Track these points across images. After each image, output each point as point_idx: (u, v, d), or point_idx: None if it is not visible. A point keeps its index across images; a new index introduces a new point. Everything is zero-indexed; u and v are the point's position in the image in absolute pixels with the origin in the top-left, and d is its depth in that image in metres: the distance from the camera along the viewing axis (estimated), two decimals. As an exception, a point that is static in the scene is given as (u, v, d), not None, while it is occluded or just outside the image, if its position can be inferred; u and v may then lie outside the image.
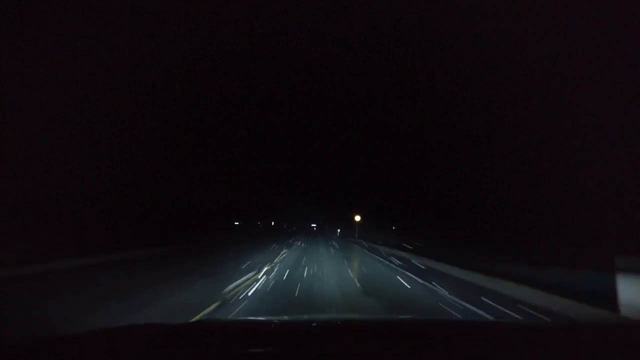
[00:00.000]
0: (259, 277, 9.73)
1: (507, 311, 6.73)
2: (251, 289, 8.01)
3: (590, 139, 13.32)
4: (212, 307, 6.10)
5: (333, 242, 34.56)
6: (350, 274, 11.62)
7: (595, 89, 13.62)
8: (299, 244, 28.81)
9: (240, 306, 6.29)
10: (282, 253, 18.25)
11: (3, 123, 12.92)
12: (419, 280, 10.55)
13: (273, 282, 9.11)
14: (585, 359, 1.35)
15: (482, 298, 7.96)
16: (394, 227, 47.10)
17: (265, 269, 11.55)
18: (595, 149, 13.08)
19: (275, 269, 11.63)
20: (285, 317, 3.99)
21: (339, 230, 66.49)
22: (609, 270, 6.05)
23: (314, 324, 2.21)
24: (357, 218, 49.18)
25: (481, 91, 20.68)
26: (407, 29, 24.57)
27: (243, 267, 11.80)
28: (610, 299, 5.88)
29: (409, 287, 9.36)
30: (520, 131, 17.27)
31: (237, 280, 8.94)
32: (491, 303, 7.42)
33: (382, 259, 17.46)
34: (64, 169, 15.10)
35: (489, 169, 20.06)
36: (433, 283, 9.93)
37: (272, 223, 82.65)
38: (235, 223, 56.08)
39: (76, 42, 14.65)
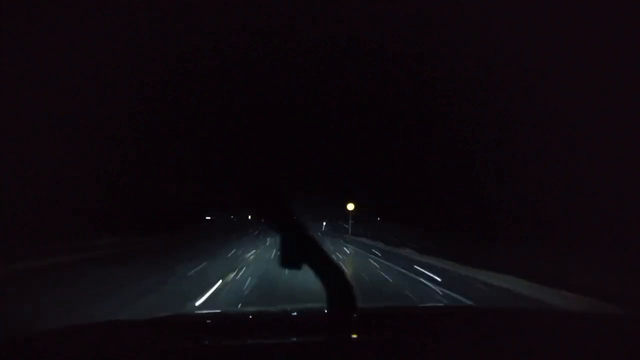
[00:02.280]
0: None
1: None
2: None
3: (591, 138, 13.42)
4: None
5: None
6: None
7: (595, 88, 13.70)
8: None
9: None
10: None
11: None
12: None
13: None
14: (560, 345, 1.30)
15: None
16: (378, 219, 44.06)
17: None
18: (596, 148, 13.18)
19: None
20: (263, 308, 3.72)
21: (324, 224, 51.30)
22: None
23: (294, 314, 2.07)
24: (351, 207, 35.33)
25: (481, 90, 20.73)
26: (404, 24, 24.47)
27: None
28: None
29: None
30: (520, 129, 17.36)
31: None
32: None
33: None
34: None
35: (488, 165, 20.17)
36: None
37: (249, 217, 78.68)
38: (207, 218, 52.98)
39: (76, 40, 14.43)
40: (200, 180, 39.12)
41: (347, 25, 27.72)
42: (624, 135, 12.55)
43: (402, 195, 34.56)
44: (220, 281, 8.26)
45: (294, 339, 1.44)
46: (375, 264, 13.20)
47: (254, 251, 16.22)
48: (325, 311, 2.14)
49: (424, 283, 8.97)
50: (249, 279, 8.81)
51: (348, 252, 18.80)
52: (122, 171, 22.57)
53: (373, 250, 19.30)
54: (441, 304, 5.70)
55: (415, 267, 12.00)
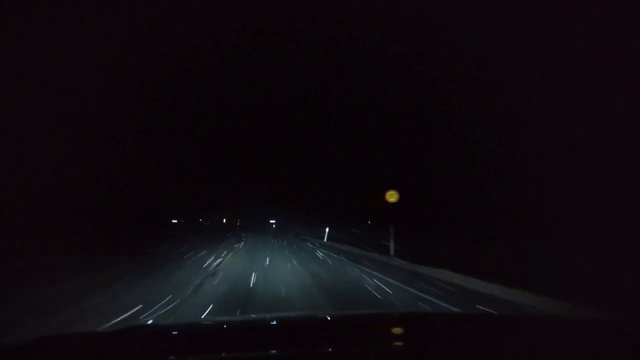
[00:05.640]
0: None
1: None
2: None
3: (591, 138, 13.41)
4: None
5: None
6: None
7: (595, 88, 13.69)
8: None
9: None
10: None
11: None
12: None
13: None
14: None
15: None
16: (369, 222, 40.83)
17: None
18: (596, 148, 13.17)
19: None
20: (240, 318, 3.51)
21: (326, 230, 35.66)
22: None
23: (273, 323, 1.93)
24: (393, 197, 15.79)
25: (481, 90, 20.70)
26: (404, 24, 24.45)
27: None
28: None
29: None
30: (520, 129, 17.35)
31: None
32: None
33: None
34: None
35: (488, 165, 20.15)
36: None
37: (224, 220, 70.66)
38: (174, 221, 48.04)
39: (76, 40, 14.43)
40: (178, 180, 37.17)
41: (347, 25, 27.77)
42: (624, 135, 12.56)
43: (402, 196, 34.12)
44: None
45: (285, 351, 1.30)
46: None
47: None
48: (305, 320, 1.99)
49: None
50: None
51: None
52: (122, 171, 22.56)
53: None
54: (434, 311, 5.59)
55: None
